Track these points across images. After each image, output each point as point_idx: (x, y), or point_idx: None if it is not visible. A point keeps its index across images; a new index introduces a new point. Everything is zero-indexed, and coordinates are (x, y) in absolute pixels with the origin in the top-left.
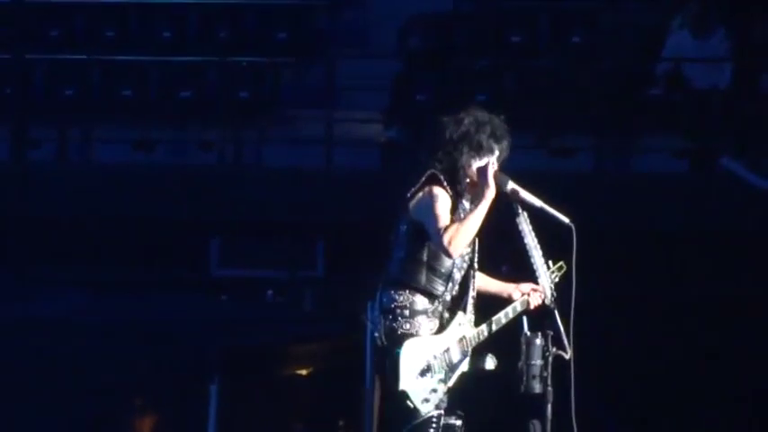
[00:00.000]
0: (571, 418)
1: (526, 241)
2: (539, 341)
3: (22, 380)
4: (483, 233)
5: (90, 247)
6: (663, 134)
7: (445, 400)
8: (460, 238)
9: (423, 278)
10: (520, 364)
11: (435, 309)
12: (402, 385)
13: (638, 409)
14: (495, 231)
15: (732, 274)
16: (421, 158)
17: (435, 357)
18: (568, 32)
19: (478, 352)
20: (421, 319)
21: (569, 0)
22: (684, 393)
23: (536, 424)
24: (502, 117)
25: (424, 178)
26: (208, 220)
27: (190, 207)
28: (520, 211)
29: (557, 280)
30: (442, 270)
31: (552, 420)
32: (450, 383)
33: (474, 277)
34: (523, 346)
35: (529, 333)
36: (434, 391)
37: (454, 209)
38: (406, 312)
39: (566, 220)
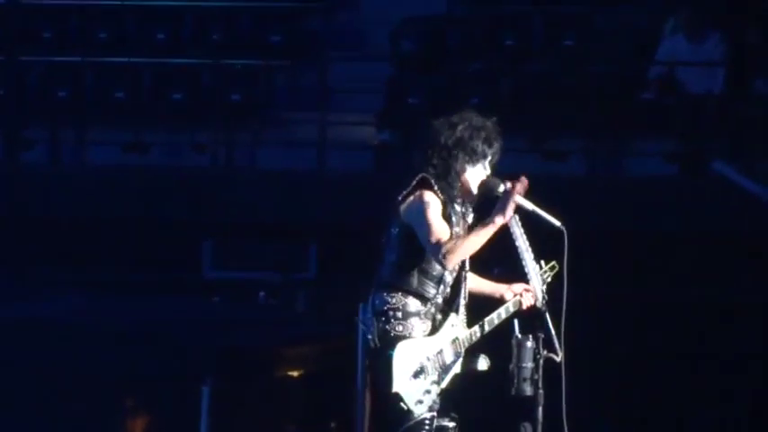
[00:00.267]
0: (562, 420)
1: (518, 244)
2: (530, 344)
3: (16, 380)
4: None
5: (82, 249)
6: (655, 138)
7: (438, 401)
8: (458, 255)
9: (414, 281)
10: (511, 366)
11: (428, 311)
12: (395, 387)
13: (629, 411)
14: None
15: (724, 277)
16: (414, 162)
17: (428, 359)
18: (561, 36)
19: (471, 353)
20: (414, 320)
21: (563, 4)
22: (676, 395)
23: (527, 427)
24: (494, 119)
25: (415, 182)
26: (201, 221)
27: (183, 209)
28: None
29: (549, 280)
30: (434, 273)
31: (543, 423)
32: (444, 385)
33: (466, 279)
34: (514, 349)
35: (520, 335)
36: (428, 392)
37: (445, 213)
38: (399, 314)
39: (557, 223)
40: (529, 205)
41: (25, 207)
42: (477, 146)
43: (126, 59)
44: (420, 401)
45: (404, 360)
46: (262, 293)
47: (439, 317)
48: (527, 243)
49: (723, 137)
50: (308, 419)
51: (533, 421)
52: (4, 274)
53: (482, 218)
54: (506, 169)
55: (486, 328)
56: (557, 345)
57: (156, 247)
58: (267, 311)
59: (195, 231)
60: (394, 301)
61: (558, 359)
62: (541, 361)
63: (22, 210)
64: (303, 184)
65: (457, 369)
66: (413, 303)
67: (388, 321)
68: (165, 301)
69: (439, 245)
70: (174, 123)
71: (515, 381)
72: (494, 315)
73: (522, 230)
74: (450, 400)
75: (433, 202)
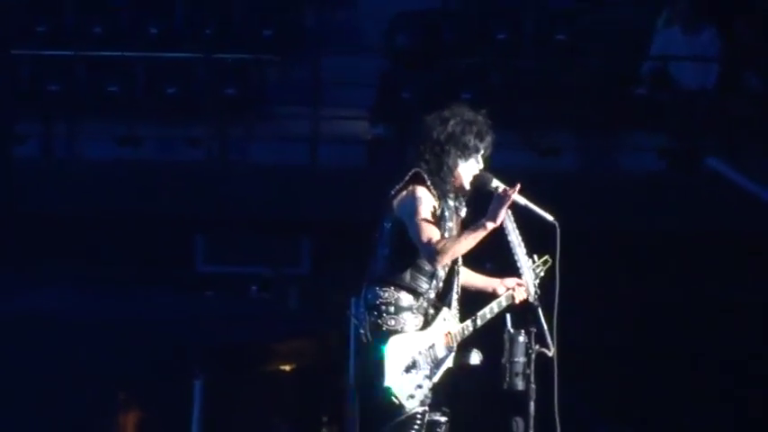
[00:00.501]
0: (554, 415)
1: (510, 239)
2: (522, 338)
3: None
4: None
5: (75, 243)
6: (649, 133)
7: (430, 396)
8: (449, 256)
9: (407, 276)
10: (503, 360)
11: (420, 305)
12: (387, 381)
13: (621, 406)
14: None
15: (718, 274)
16: (407, 158)
17: (420, 353)
18: (554, 30)
19: (464, 347)
20: (406, 315)
21: None
22: (668, 391)
23: (519, 421)
24: (484, 112)
25: (407, 177)
26: (193, 216)
27: (176, 203)
28: None
29: (542, 274)
30: (426, 268)
31: (535, 417)
32: (436, 379)
33: (459, 273)
34: (506, 344)
35: (512, 330)
36: (419, 387)
37: (438, 209)
38: (392, 309)
39: (550, 218)
40: (521, 200)
41: (18, 201)
42: (470, 140)
43: (119, 54)
44: (412, 396)
45: (396, 354)
46: (254, 288)
47: (431, 311)
48: (519, 238)
49: (716, 133)
50: (300, 414)
51: (525, 416)
52: None
53: (475, 212)
54: (499, 164)
55: (479, 322)
56: (549, 339)
57: (148, 241)
58: (260, 306)
59: (188, 225)
60: (386, 295)
61: (550, 354)
62: (533, 356)
63: (14, 204)
64: (296, 178)
65: (449, 363)
66: (405, 298)
67: (380, 316)
68: (157, 296)
69: (430, 244)
70: (168, 117)
71: (507, 375)
72: (486, 310)
73: (515, 225)
74: (442, 395)
75: (425, 198)
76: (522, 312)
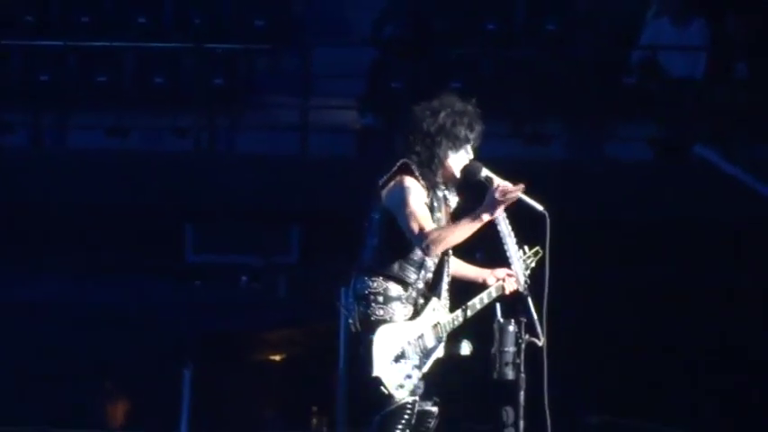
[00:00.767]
0: (544, 404)
1: (500, 228)
2: (512, 328)
3: None
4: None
5: (64, 233)
6: (637, 122)
7: (421, 386)
8: (442, 246)
9: (395, 266)
10: (493, 350)
11: (409, 295)
12: (376, 371)
13: (611, 396)
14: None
15: (707, 262)
16: (397, 149)
17: (409, 343)
18: (544, 20)
19: (454, 338)
20: (395, 305)
21: None
22: (658, 379)
23: (509, 411)
24: (473, 101)
25: (395, 167)
26: (182, 206)
27: (165, 193)
28: None
29: (533, 265)
30: (415, 258)
31: (525, 407)
32: (425, 369)
33: (448, 263)
34: (496, 333)
35: (502, 320)
36: (409, 377)
37: (427, 199)
38: (380, 299)
39: (539, 207)
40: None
41: (6, 191)
42: (460, 132)
43: (108, 44)
44: (401, 386)
45: (384, 344)
46: (244, 277)
47: (421, 301)
48: (509, 228)
49: (704, 122)
50: (289, 403)
51: (515, 405)
52: None
53: (466, 203)
54: (488, 154)
55: (469, 313)
56: (539, 329)
57: (138, 231)
58: (249, 295)
59: (177, 215)
60: (375, 285)
61: (540, 343)
62: (523, 345)
63: (2, 194)
64: (285, 168)
65: (439, 353)
66: (394, 288)
67: (368, 305)
68: (146, 285)
69: (422, 234)
70: (156, 108)
71: (497, 365)
72: (476, 300)
73: (505, 215)
74: (432, 385)
75: (414, 188)
76: (511, 302)
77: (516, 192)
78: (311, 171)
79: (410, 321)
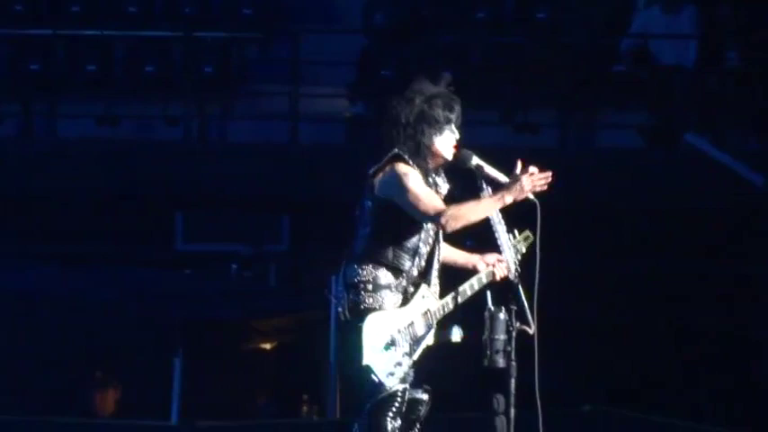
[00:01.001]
0: (535, 392)
1: (490, 216)
2: (502, 316)
3: None
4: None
5: (54, 222)
6: (628, 110)
7: (411, 373)
8: (461, 222)
9: (390, 254)
10: (484, 338)
11: (399, 284)
12: (366, 359)
13: (602, 383)
14: None
15: (697, 250)
16: (384, 142)
17: (399, 331)
18: (534, 8)
19: (445, 324)
20: (385, 293)
21: None
22: (647, 366)
23: (500, 398)
24: (447, 76)
25: (387, 158)
26: (173, 194)
27: (155, 182)
28: (485, 186)
29: (523, 250)
30: (408, 245)
31: (516, 395)
32: (416, 357)
33: (439, 249)
34: (487, 321)
35: (493, 307)
36: (399, 364)
37: (425, 182)
38: (370, 287)
39: (531, 196)
40: (502, 177)
41: None
42: (439, 114)
43: (98, 32)
44: (391, 374)
45: (374, 332)
46: (234, 265)
47: (411, 289)
48: (500, 216)
49: (694, 109)
50: (279, 391)
51: (506, 393)
52: None
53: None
54: (479, 141)
55: (459, 299)
56: (529, 317)
57: (128, 219)
58: (239, 284)
59: (167, 204)
60: (364, 273)
61: (530, 331)
62: (514, 333)
63: None
64: (275, 156)
65: (429, 341)
66: (384, 276)
67: (358, 294)
68: (137, 274)
69: (438, 211)
70: (146, 96)
71: (488, 352)
72: (466, 286)
73: None
74: (422, 372)
75: (410, 172)
76: (502, 290)
77: (546, 182)
78: (301, 159)
79: (400, 309)
